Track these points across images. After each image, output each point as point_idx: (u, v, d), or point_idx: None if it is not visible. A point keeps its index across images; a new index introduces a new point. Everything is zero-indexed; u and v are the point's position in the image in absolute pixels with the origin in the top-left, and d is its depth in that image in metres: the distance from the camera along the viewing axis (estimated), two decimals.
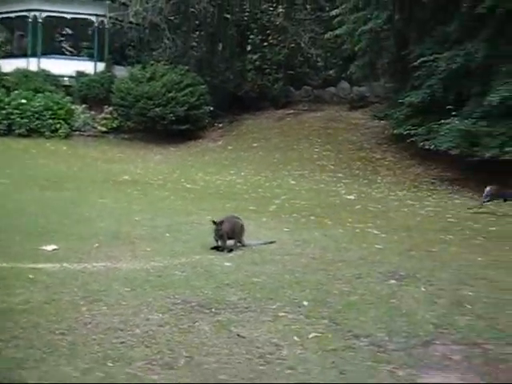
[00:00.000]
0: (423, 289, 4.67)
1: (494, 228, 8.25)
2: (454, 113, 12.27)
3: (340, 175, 13.01)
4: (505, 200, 9.69)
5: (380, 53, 15.99)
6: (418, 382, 3.01)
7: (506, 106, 11.28)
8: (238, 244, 5.95)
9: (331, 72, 21.14)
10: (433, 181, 12.82)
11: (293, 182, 12.06)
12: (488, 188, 9.63)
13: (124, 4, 18.77)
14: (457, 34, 13.06)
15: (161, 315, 3.83)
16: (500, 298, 4.56)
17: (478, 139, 11.68)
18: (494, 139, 11.48)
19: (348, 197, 10.56)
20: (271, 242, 6.14)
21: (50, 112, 16.81)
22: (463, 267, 5.55)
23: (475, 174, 12.50)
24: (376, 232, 7.26)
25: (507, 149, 11.08)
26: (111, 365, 3.02)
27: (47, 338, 3.34)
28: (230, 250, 5.80)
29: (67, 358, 3.07)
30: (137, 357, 3.14)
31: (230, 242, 5.88)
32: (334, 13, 16.50)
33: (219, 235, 5.76)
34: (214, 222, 5.75)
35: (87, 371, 2.93)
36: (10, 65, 19.27)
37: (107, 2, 19.26)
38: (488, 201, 9.62)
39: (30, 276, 4.56)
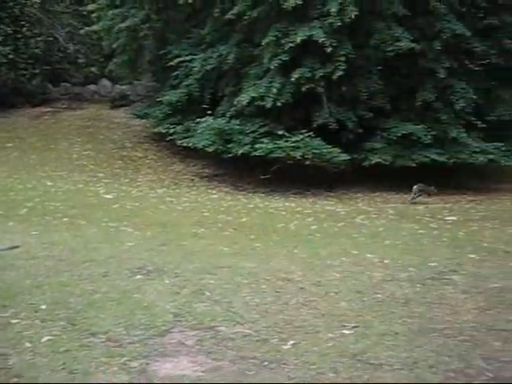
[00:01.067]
0: (167, 281, 4.81)
1: (244, 219, 8.85)
2: (209, 112, 12.87)
3: (100, 175, 12.74)
4: (429, 195, 11.05)
5: (140, 51, 16.01)
6: (149, 370, 3.08)
7: (255, 106, 12.17)
8: None
9: (93, 69, 20.60)
10: (192, 177, 13.28)
11: (49, 184, 11.47)
12: (415, 186, 10.86)
13: None
14: (210, 37, 13.73)
15: None
16: (238, 282, 4.91)
17: (231, 137, 12.42)
18: (245, 137, 12.32)
19: (107, 196, 10.40)
20: (15, 247, 5.76)
21: None
22: (210, 258, 5.85)
23: (231, 170, 13.30)
24: (130, 230, 7.28)
25: (257, 146, 11.96)
26: None
27: None
28: None
29: None
30: None
31: None
32: (91, 7, 16.14)
33: None
34: None
35: None
36: None
37: None
38: (417, 197, 10.88)
39: None
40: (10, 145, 14.94)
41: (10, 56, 19.11)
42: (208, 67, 13.00)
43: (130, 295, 4.35)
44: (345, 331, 3.83)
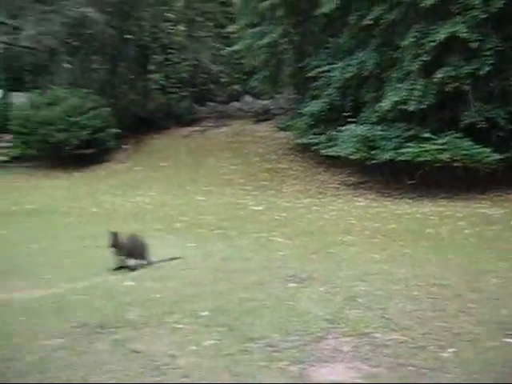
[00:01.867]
0: (320, 289, 4.87)
1: (392, 226, 8.68)
2: (351, 119, 12.84)
3: (248, 188, 13.22)
4: None
5: (279, 66, 16.47)
6: (307, 375, 3.15)
7: (398, 110, 11.93)
8: (143, 262, 5.94)
9: (235, 87, 21.53)
10: (338, 186, 13.30)
11: (201, 198, 12.13)
12: None
13: (16, 28, 18.25)
14: (348, 44, 13.73)
15: (58, 340, 3.78)
16: (390, 289, 4.83)
17: (375, 143, 12.26)
18: (389, 142, 12.09)
19: (255, 208, 10.75)
20: (176, 258, 6.18)
21: None
22: (360, 265, 5.83)
23: (376, 177, 13.12)
24: (280, 239, 7.47)
25: (402, 150, 11.69)
26: None
27: None
28: (133, 269, 5.79)
29: None
30: None
31: (131, 262, 5.88)
32: (231, 29, 16.89)
33: (115, 246, 5.71)
34: (111, 233, 5.71)
35: None
36: None
37: None
38: None
39: None
40: (163, 164, 16.03)
41: (162, 82, 20.62)
42: (348, 75, 13.01)
43: (284, 302, 4.47)
44: (509, 340, 3.62)
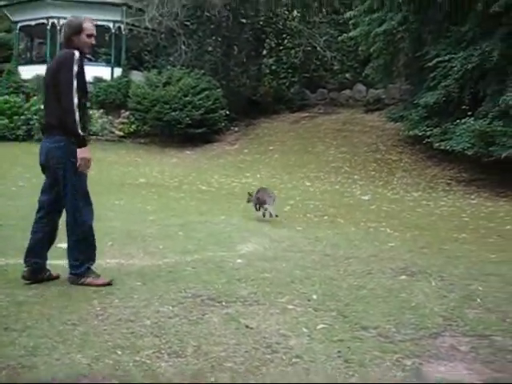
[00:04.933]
0: (434, 284, 4.67)
1: (508, 227, 8.20)
2: (469, 113, 12.22)
3: (355, 177, 13.00)
4: None
5: (395, 54, 15.94)
6: (423, 370, 3.01)
7: None
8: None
9: (347, 75, 21.15)
10: (449, 181, 12.76)
11: (308, 184, 12.09)
12: None
13: (140, 10, 19.04)
14: (472, 33, 13.02)
15: (171, 308, 3.88)
16: (511, 292, 4.54)
17: (493, 139, 11.60)
18: (510, 139, 11.39)
19: (363, 197, 10.56)
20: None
21: None
22: (475, 264, 5.54)
23: (492, 175, 12.43)
24: (389, 231, 7.28)
25: None
26: (120, 353, 3.08)
27: (59, 328, 3.41)
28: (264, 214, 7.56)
29: (78, 347, 3.14)
30: (146, 346, 3.19)
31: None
32: (348, 15, 16.54)
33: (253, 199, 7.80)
34: (249, 194, 7.97)
35: (96, 359, 2.99)
36: (29, 71, 19.70)
37: (123, 8, 19.54)
38: None
39: None
40: (271, 148, 16.12)
41: (273, 67, 20.68)
42: (469, 66, 12.35)
43: (396, 294, 4.33)
44: None
